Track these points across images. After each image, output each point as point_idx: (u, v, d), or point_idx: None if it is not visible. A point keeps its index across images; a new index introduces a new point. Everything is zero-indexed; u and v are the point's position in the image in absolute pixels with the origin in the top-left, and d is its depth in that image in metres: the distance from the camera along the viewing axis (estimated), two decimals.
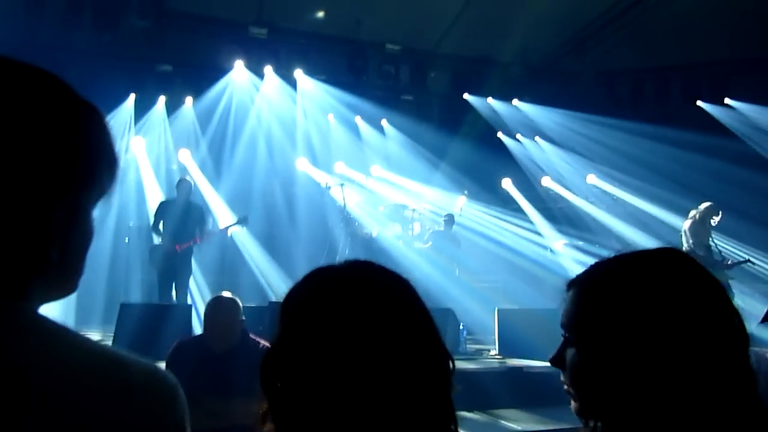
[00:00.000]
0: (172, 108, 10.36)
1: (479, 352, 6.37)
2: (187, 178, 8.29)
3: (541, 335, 5.22)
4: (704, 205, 7.00)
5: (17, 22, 7.29)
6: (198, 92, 10.29)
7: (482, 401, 4.60)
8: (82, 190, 0.74)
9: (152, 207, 8.65)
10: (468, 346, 6.54)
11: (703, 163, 9.43)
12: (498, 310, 6.56)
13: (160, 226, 7.59)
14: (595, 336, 0.96)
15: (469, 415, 4.38)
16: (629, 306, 0.93)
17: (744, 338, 0.93)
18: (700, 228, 6.93)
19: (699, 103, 10.77)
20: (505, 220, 10.71)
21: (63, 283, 0.75)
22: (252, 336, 3.40)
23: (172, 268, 7.47)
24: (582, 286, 1.02)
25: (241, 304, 3.47)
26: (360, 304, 0.93)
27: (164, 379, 0.73)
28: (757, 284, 7.74)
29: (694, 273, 0.96)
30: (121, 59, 9.64)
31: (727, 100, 10.64)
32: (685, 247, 7.28)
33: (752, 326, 5.79)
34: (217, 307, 3.41)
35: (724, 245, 7.33)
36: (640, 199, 10.43)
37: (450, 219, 9.36)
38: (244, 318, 3.44)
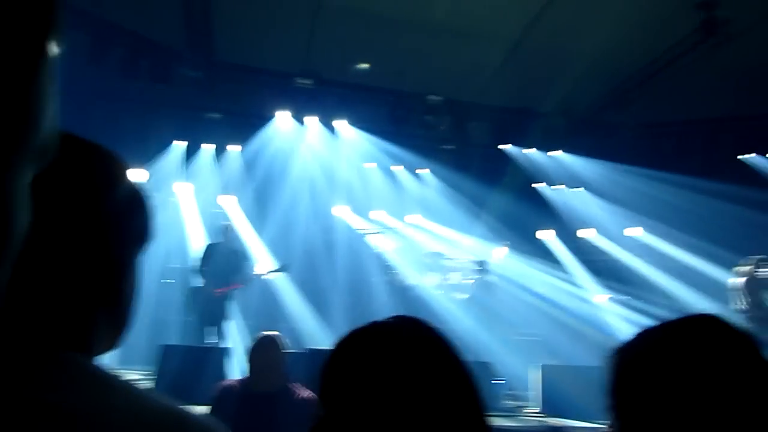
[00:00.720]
0: (219, 154, 10.72)
1: (517, 408, 6.16)
2: (231, 224, 8.49)
3: (585, 394, 5.04)
4: (752, 259, 6.74)
5: (81, 72, 7.74)
6: (244, 140, 10.64)
7: None
8: (121, 240, 0.77)
9: (194, 250, 8.84)
10: (506, 401, 6.35)
11: (750, 216, 9.13)
12: (542, 366, 6.37)
13: (203, 269, 7.76)
14: (631, 406, 0.95)
15: None
16: (665, 380, 0.92)
17: None
18: (754, 285, 6.66)
19: (746, 156, 10.52)
20: (546, 272, 10.52)
21: (116, 336, 0.78)
22: (294, 384, 3.39)
23: (210, 311, 7.58)
24: (627, 354, 1.01)
25: (284, 345, 3.49)
26: (405, 365, 0.94)
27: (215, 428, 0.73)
28: None
29: (727, 344, 0.94)
30: (173, 107, 10.08)
31: None
32: (736, 306, 6.99)
33: None
34: (262, 345, 3.43)
35: None
36: (684, 252, 10.12)
37: (482, 266, 9.15)
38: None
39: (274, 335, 3.52)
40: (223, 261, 7.76)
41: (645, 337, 1.01)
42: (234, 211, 10.36)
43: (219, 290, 7.63)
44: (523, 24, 8.70)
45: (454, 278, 9.62)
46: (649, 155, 10.82)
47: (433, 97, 10.26)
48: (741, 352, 0.92)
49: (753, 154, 10.50)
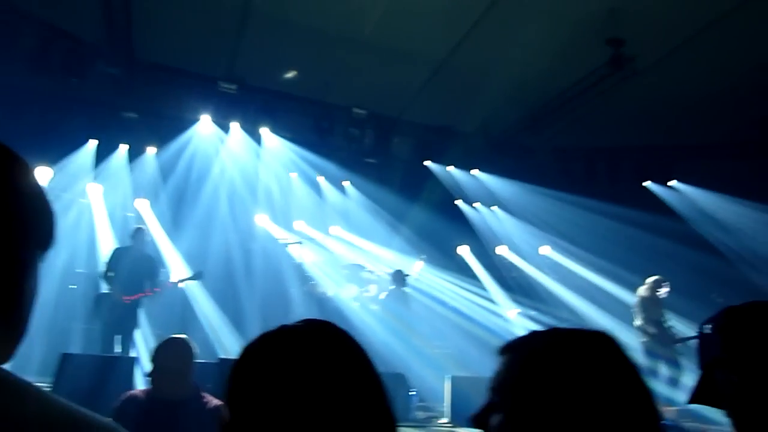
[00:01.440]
0: (133, 156, 10.29)
1: (429, 419, 6.28)
2: (144, 227, 8.17)
3: None
4: (650, 279, 7.24)
5: None
6: (162, 142, 10.27)
7: None
8: (23, 242, 0.74)
9: (104, 255, 8.44)
10: (418, 412, 6.45)
11: (650, 241, 9.85)
12: (452, 377, 6.53)
13: (110, 274, 7.41)
14: (526, 405, 0.99)
15: None
16: (561, 382, 0.98)
17: (655, 420, 0.98)
18: (649, 303, 7.15)
19: (647, 183, 11.34)
20: (460, 287, 10.82)
21: (12, 343, 0.74)
22: (204, 394, 3.22)
23: (117, 319, 7.24)
24: (520, 354, 1.06)
25: (195, 350, 3.27)
26: (313, 368, 0.95)
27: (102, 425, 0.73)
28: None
29: (618, 360, 1.02)
30: (86, 104, 9.60)
31: (673, 183, 11.24)
32: (636, 322, 7.48)
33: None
34: (170, 349, 3.17)
35: (675, 321, 7.57)
36: (590, 271, 10.74)
37: (398, 276, 9.09)
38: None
39: (183, 338, 3.27)
40: (133, 266, 7.44)
41: (539, 339, 1.07)
42: (148, 215, 9.97)
43: (128, 297, 7.31)
44: (449, 45, 8.98)
45: (372, 290, 9.71)
46: (560, 178, 11.43)
47: (358, 111, 10.36)
48: (624, 374, 1.00)
49: (649, 182, 11.32)
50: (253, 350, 1.00)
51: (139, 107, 9.88)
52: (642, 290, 7.51)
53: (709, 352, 1.37)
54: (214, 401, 3.15)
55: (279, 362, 0.96)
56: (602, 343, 1.05)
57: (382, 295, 9.00)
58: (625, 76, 9.15)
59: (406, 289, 9.19)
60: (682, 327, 7.99)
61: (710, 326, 1.37)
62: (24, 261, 0.74)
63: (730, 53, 8.60)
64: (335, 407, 0.92)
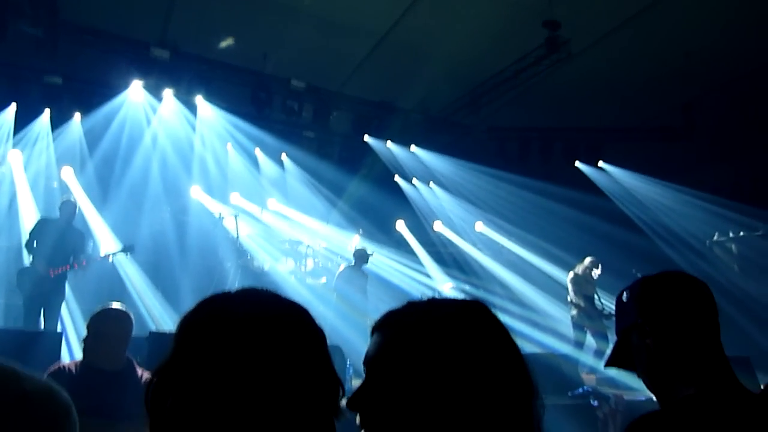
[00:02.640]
0: (58, 123, 9.76)
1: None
2: (71, 198, 7.80)
3: None
4: (587, 259, 7.62)
5: None
6: (88, 109, 9.77)
7: None
8: None
9: (26, 226, 8.03)
10: (354, 382, 6.55)
11: (579, 218, 10.29)
12: None
13: (33, 246, 7.07)
14: (396, 378, 1.00)
15: None
16: (429, 354, 0.99)
17: (531, 388, 1.02)
18: (583, 281, 7.52)
19: (577, 163, 11.79)
20: (397, 261, 10.97)
21: None
22: (139, 367, 3.18)
23: (42, 293, 6.94)
24: (390, 330, 1.07)
25: (132, 320, 3.16)
26: (254, 327, 0.94)
27: (59, 396, 0.74)
28: None
29: (492, 329, 1.05)
30: (5, 66, 9.01)
31: (601, 163, 11.74)
32: (568, 297, 7.86)
33: (614, 370, 6.30)
34: (108, 316, 3.08)
35: (604, 297, 7.98)
36: (521, 247, 11.13)
37: (361, 254, 8.94)
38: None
39: (122, 307, 3.20)
40: (60, 239, 7.12)
41: (409, 312, 1.08)
42: (73, 184, 9.52)
43: (54, 270, 7.01)
44: (390, 21, 8.95)
45: (309, 264, 9.71)
46: (495, 157, 11.71)
47: (296, 83, 10.19)
48: (495, 342, 1.03)
49: (579, 162, 11.77)
50: (194, 313, 0.99)
51: (63, 71, 9.35)
52: (578, 268, 7.89)
53: (625, 318, 1.48)
54: (147, 374, 3.10)
55: (219, 324, 0.95)
56: (474, 312, 1.07)
57: (342, 267, 8.84)
58: (559, 59, 9.42)
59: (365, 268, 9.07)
60: (610, 303, 8.45)
61: (627, 294, 1.49)
62: None
63: (659, 41, 8.99)
64: (277, 366, 0.91)
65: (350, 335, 7.48)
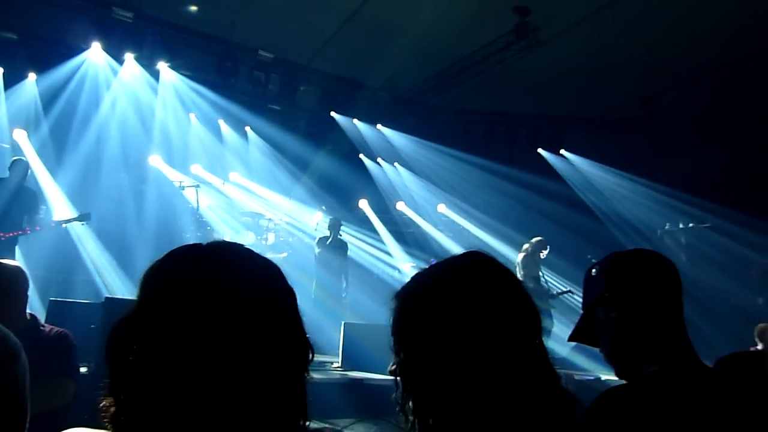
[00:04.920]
0: (11, 82, 9.35)
1: (322, 364, 6.45)
2: (23, 159, 7.51)
3: (382, 350, 5.45)
4: (535, 239, 7.78)
5: None
6: (44, 68, 9.37)
7: (321, 411, 4.68)
8: None
9: None
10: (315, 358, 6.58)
11: (538, 203, 10.52)
12: (344, 324, 6.71)
13: None
14: (417, 341, 1.10)
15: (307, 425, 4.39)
16: (443, 312, 1.09)
17: (537, 323, 1.13)
18: (530, 261, 7.68)
19: (539, 150, 11.99)
20: (358, 239, 11.00)
21: None
22: (45, 324, 3.07)
23: None
24: (402, 298, 1.16)
25: (27, 276, 2.97)
26: (225, 279, 0.92)
27: (6, 339, 0.73)
28: (573, 315, 8.73)
29: (497, 273, 1.15)
30: None
31: (562, 151, 11.98)
32: (519, 278, 8.04)
33: (564, 351, 6.50)
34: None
35: (550, 278, 8.19)
36: (481, 230, 11.31)
37: (336, 224, 8.77)
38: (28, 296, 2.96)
39: (14, 263, 3.03)
40: (10, 200, 6.86)
41: (419, 278, 1.18)
42: (26, 147, 9.16)
43: (3, 234, 6.77)
44: None
45: (270, 239, 9.64)
46: (460, 139, 11.80)
47: (264, 54, 10.01)
48: (504, 281, 1.14)
49: (541, 149, 11.99)
50: (161, 262, 0.96)
51: (18, 28, 8.94)
52: (526, 248, 8.04)
53: (592, 292, 1.52)
54: (56, 329, 3.03)
55: (187, 273, 0.93)
56: (476, 263, 1.17)
57: (317, 250, 8.72)
58: (528, 45, 9.52)
59: (342, 238, 8.99)
60: (557, 283, 8.69)
61: (596, 269, 1.52)
62: None
63: (624, 33, 9.17)
64: (246, 318, 0.89)
65: (310, 310, 7.51)
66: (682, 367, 1.34)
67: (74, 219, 7.39)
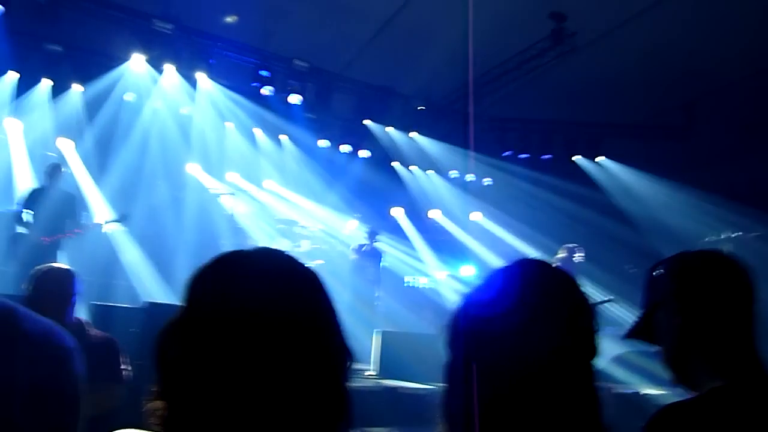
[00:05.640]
0: (57, 92, 9.67)
1: (355, 371, 6.44)
2: (63, 167, 7.74)
3: (419, 359, 5.42)
4: (567, 245, 7.65)
5: None
6: (88, 79, 9.68)
7: (356, 419, 4.66)
8: None
9: (21, 193, 7.98)
10: None
11: (575, 211, 10.34)
12: (381, 333, 6.69)
13: (26, 215, 7.03)
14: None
15: None
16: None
17: (595, 341, 1.08)
18: (565, 267, 7.53)
19: (576, 157, 11.80)
20: (393, 247, 10.99)
21: None
22: (91, 328, 3.13)
23: (35, 260, 6.91)
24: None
25: (77, 280, 3.00)
26: (269, 285, 0.93)
27: (61, 337, 0.73)
28: (612, 326, 8.53)
29: (557, 280, 1.11)
30: (6, 33, 8.89)
31: (599, 158, 11.76)
32: None
33: (603, 363, 6.36)
34: (51, 274, 2.95)
35: (588, 286, 8.03)
36: (516, 238, 11.17)
37: (372, 232, 8.98)
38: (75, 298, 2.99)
39: (67, 267, 3.08)
40: (53, 206, 7.09)
41: (483, 286, 1.12)
42: (71, 155, 9.45)
43: (47, 238, 6.98)
44: (396, 5, 8.89)
45: (305, 246, 9.70)
46: (495, 147, 11.70)
47: (299, 63, 10.12)
48: (565, 289, 1.08)
49: (578, 156, 11.79)
50: (208, 268, 0.98)
51: (65, 40, 9.24)
52: (559, 255, 7.91)
53: (654, 292, 1.43)
54: (102, 334, 3.07)
55: (234, 281, 0.94)
56: (536, 272, 1.13)
57: (353, 256, 8.79)
58: (564, 52, 9.40)
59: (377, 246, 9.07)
60: (595, 292, 8.51)
61: (660, 268, 1.43)
62: None
63: (664, 38, 8.97)
64: (289, 327, 0.90)
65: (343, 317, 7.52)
66: (750, 384, 1.24)
67: (114, 220, 7.59)
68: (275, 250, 1.02)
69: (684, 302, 1.34)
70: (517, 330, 1.02)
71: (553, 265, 1.13)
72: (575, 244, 7.68)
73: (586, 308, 1.08)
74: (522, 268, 1.12)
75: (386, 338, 6.53)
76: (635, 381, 5.98)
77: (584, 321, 1.06)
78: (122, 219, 7.56)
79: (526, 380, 1.00)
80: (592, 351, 1.06)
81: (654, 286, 1.44)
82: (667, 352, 1.39)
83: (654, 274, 1.44)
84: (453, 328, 1.11)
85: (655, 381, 5.52)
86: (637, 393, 5.63)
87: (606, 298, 7.58)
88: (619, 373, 6.41)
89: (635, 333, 1.46)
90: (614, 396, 5.40)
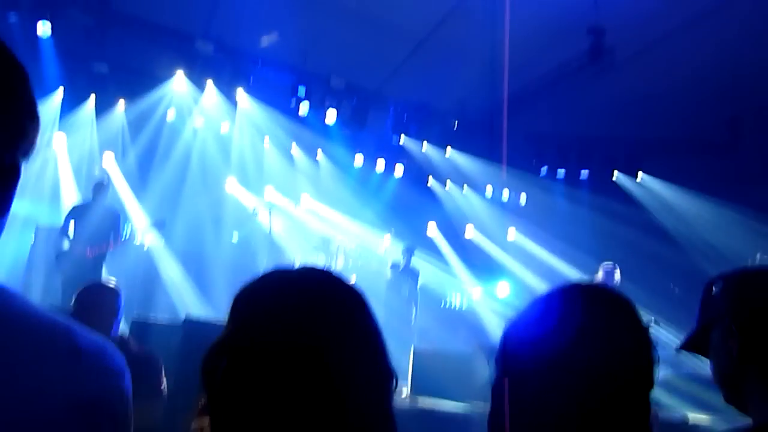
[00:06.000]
0: (102, 109, 10.00)
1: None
2: (105, 182, 7.98)
3: (452, 377, 5.34)
4: (605, 263, 7.50)
5: None
6: (132, 97, 10.00)
7: None
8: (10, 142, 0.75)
9: (66, 208, 8.24)
10: None
11: (615, 229, 10.11)
12: (414, 350, 6.63)
13: (71, 230, 7.24)
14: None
15: None
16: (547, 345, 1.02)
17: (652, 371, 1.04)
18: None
19: (616, 174, 11.58)
20: (427, 263, 10.93)
21: None
22: (132, 344, 3.20)
23: (80, 274, 7.10)
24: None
25: (120, 295, 3.08)
26: (313, 308, 0.93)
27: (115, 355, 0.74)
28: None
29: (607, 306, 1.07)
30: (55, 51, 9.26)
31: (640, 175, 11.51)
32: None
33: None
34: (93, 290, 3.05)
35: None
36: (555, 257, 10.98)
37: (409, 250, 9.04)
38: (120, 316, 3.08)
39: (104, 284, 3.16)
40: (97, 221, 7.30)
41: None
42: (114, 170, 9.74)
43: (91, 250, 7.17)
44: (432, 22, 8.93)
45: (340, 262, 9.74)
46: (531, 162, 11.57)
47: (336, 81, 10.25)
48: (628, 317, 1.04)
49: (618, 173, 11.56)
50: (254, 287, 0.99)
51: (110, 59, 9.57)
52: (598, 274, 7.77)
53: (710, 310, 1.36)
54: (143, 350, 3.15)
55: (279, 300, 0.94)
56: (590, 294, 1.11)
57: (389, 274, 8.82)
58: (602, 67, 9.26)
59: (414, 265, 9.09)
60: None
61: (718, 286, 1.36)
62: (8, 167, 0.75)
63: (705, 52, 8.77)
64: (334, 349, 0.90)
65: (390, 348, 7.48)
66: None
67: (151, 224, 7.75)
68: (319, 269, 1.03)
69: (741, 324, 1.27)
70: (578, 357, 0.98)
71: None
72: (612, 263, 7.52)
73: (647, 337, 1.04)
74: (583, 291, 1.08)
75: (419, 356, 6.47)
76: (681, 405, 5.78)
77: (646, 351, 1.03)
78: (158, 225, 7.71)
79: (580, 410, 0.97)
80: (650, 383, 1.02)
81: (708, 304, 1.37)
82: (720, 370, 1.32)
83: (709, 289, 1.37)
84: (505, 348, 1.09)
85: (701, 406, 5.33)
86: (684, 418, 5.43)
87: (649, 320, 7.36)
88: (663, 397, 6.20)
89: (690, 345, 1.40)
90: (660, 421, 5.22)
